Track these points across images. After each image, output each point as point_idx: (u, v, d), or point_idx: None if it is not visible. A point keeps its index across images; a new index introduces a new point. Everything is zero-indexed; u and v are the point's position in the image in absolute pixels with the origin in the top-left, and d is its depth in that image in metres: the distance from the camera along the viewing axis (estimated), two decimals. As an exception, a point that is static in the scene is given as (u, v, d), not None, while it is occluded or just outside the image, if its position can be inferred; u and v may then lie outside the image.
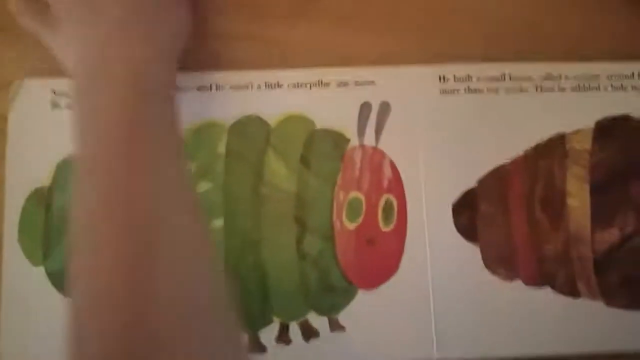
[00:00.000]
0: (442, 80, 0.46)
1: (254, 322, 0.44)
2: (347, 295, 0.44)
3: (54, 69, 0.47)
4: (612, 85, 0.46)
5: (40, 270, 0.45)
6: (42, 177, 0.46)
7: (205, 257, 0.35)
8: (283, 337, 0.43)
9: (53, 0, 0.41)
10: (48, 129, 0.46)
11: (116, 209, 0.33)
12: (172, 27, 0.42)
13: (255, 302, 0.44)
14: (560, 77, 0.46)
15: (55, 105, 0.47)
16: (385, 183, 0.45)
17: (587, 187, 0.45)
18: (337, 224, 0.45)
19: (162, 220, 0.33)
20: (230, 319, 0.33)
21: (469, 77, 0.46)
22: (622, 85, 0.46)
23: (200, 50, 0.48)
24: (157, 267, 0.32)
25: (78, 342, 0.31)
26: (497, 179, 0.45)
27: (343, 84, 0.46)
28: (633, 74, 0.46)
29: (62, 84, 0.47)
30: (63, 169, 0.46)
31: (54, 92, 0.47)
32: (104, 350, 0.30)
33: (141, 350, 0.29)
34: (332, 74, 0.46)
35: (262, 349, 0.43)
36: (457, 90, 0.46)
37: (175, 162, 0.37)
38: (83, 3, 0.40)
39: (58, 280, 0.44)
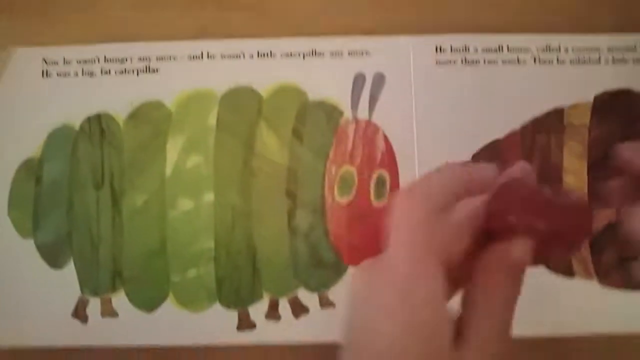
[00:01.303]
0: (438, 50, 0.45)
1: (244, 297, 0.43)
2: (337, 271, 0.43)
3: (44, 38, 0.47)
4: (613, 58, 0.45)
5: (30, 242, 0.44)
6: (33, 147, 0.45)
7: None
8: (273, 313, 0.43)
9: None
10: (39, 98, 0.46)
11: None
12: None
13: (245, 277, 0.43)
14: (559, 49, 0.45)
15: (46, 74, 0.46)
16: (378, 157, 0.44)
17: (584, 164, 0.44)
18: (328, 199, 0.44)
19: None
20: None
21: (466, 48, 0.45)
22: (623, 58, 0.45)
23: (191, 18, 0.47)
24: None
25: None
26: (492, 154, 0.44)
27: (337, 54, 0.45)
28: (635, 46, 0.45)
29: (53, 52, 0.46)
30: (54, 139, 0.45)
31: (45, 61, 0.46)
32: None
33: None
34: (326, 43, 0.45)
35: (251, 325, 0.43)
36: (454, 61, 0.45)
37: None
38: None
39: (47, 252, 0.44)
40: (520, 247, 0.26)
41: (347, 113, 0.45)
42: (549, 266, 0.43)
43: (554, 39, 0.45)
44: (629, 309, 0.42)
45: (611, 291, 0.43)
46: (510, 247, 0.26)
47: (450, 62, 0.45)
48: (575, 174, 0.44)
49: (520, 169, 0.28)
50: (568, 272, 0.43)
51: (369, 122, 0.44)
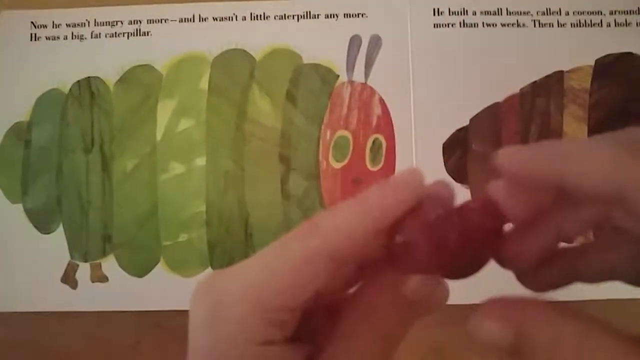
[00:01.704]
0: (436, 13, 0.44)
1: (236, 262, 0.42)
2: (331, 235, 0.42)
3: (32, 1, 0.46)
4: (615, 21, 0.44)
5: (18, 207, 0.43)
6: (21, 111, 0.44)
7: None
8: (265, 277, 0.42)
9: None
10: (27, 62, 0.45)
11: None
12: None
13: (238, 242, 0.43)
14: (560, 12, 0.44)
15: (34, 37, 0.45)
16: (374, 121, 0.43)
17: (584, 128, 0.43)
18: (322, 164, 0.43)
19: None
20: None
21: (464, 11, 0.44)
22: (626, 21, 0.44)
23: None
24: None
25: None
26: (491, 117, 0.43)
27: (332, 16, 0.44)
28: (638, 9, 0.44)
29: (41, 15, 0.45)
30: (43, 103, 0.44)
31: (34, 24, 0.45)
32: None
33: None
34: (321, 4, 0.44)
35: (243, 289, 0.42)
36: (452, 24, 0.44)
37: None
38: None
39: (36, 217, 0.43)
40: (416, 283, 0.22)
41: (343, 76, 0.44)
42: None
43: (555, 2, 0.44)
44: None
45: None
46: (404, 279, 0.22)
47: (448, 24, 0.44)
48: (575, 138, 0.43)
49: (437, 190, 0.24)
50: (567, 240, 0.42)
51: (364, 86, 0.43)
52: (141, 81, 0.44)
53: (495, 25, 0.44)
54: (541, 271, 0.24)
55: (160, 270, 0.43)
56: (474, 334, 0.22)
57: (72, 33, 0.45)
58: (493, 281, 0.24)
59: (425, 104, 0.43)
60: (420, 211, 0.22)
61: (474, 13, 0.44)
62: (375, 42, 0.44)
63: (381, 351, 0.23)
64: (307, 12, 0.44)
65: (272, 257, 0.22)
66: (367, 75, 0.43)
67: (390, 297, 0.23)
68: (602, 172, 0.20)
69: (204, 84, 0.44)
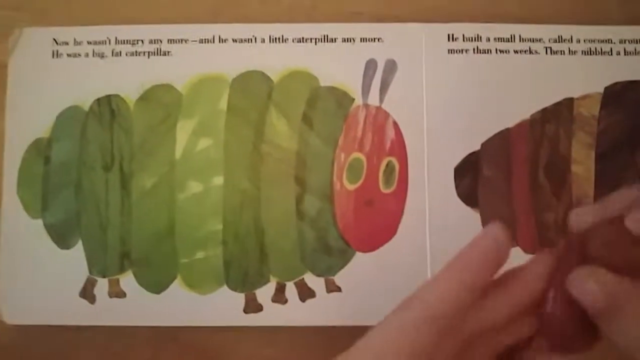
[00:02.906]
0: (450, 39, 0.45)
1: (251, 280, 0.44)
2: (344, 256, 0.44)
3: (55, 18, 0.47)
4: (624, 50, 0.45)
5: (38, 222, 0.44)
6: (42, 128, 0.45)
7: None
8: (279, 296, 0.43)
9: None
10: (48, 78, 0.46)
11: None
12: None
13: (253, 261, 0.44)
14: (571, 39, 0.45)
15: (56, 54, 0.46)
16: (388, 144, 0.44)
17: (592, 154, 0.44)
18: (337, 185, 0.44)
19: None
20: None
21: (478, 37, 0.45)
22: (635, 49, 0.45)
23: (204, 2, 0.47)
24: None
25: None
26: (501, 142, 0.44)
27: (349, 40, 0.45)
28: (647, 38, 0.45)
29: (63, 32, 0.46)
30: (63, 119, 0.45)
31: (55, 41, 0.46)
32: None
33: None
34: (338, 29, 0.45)
35: (258, 307, 0.43)
36: (466, 50, 0.45)
37: None
38: None
39: (55, 232, 0.44)
40: None
41: (358, 99, 0.45)
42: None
43: (566, 30, 0.45)
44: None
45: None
46: None
47: (462, 50, 0.45)
48: (583, 164, 0.44)
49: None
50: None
51: (379, 109, 0.44)
52: (161, 100, 0.45)
53: (508, 51, 0.45)
54: None
55: (176, 287, 0.44)
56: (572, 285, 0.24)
57: (93, 50, 0.46)
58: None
59: (438, 128, 0.44)
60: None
61: (488, 39, 0.45)
62: (391, 67, 0.45)
63: None
64: (324, 36, 0.45)
65: (371, 333, 0.25)
66: (381, 99, 0.44)
67: None
68: None
69: (223, 104, 0.45)
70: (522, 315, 0.26)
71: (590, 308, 0.24)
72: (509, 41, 0.45)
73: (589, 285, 0.24)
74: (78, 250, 0.44)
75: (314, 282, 0.43)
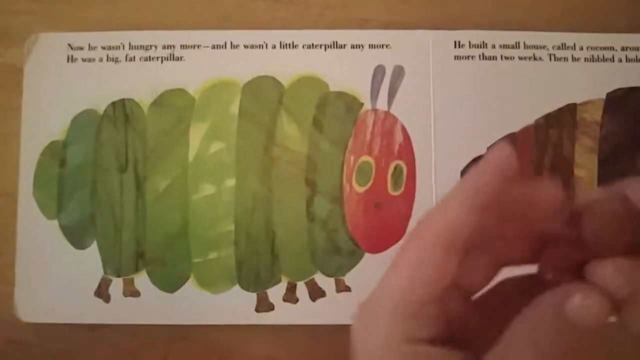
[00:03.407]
0: (457, 45, 0.46)
1: (263, 280, 0.45)
2: (354, 257, 0.45)
3: (70, 23, 0.48)
4: (626, 57, 0.46)
5: (54, 223, 0.45)
6: (57, 130, 0.46)
7: None
8: (290, 296, 0.44)
9: None
10: (63, 82, 0.47)
11: None
12: None
13: (264, 261, 0.45)
14: (574, 46, 0.46)
15: (71, 59, 0.47)
16: (396, 148, 0.45)
17: (595, 159, 0.45)
18: (346, 187, 0.45)
19: None
20: None
21: (484, 44, 0.46)
22: (636, 57, 0.46)
23: (215, 8, 0.48)
24: None
25: None
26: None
27: (358, 47, 0.46)
28: (649, 45, 0.46)
29: (78, 37, 0.47)
30: (78, 123, 0.46)
31: (70, 46, 0.47)
32: None
33: None
34: (348, 36, 0.46)
35: (270, 306, 0.44)
36: (472, 56, 0.46)
37: None
38: None
39: (71, 233, 0.45)
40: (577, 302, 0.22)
41: (367, 104, 0.46)
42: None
43: (570, 37, 0.46)
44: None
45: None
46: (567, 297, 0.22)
47: (468, 57, 0.46)
48: (586, 168, 0.45)
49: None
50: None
51: (387, 114, 0.46)
52: (174, 104, 0.46)
53: (513, 58, 0.46)
54: None
55: (190, 286, 0.45)
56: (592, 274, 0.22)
57: (108, 55, 0.47)
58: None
59: (445, 132, 0.45)
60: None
61: (493, 46, 0.46)
62: (399, 73, 0.46)
63: None
64: (334, 42, 0.46)
65: (394, 260, 0.25)
66: (390, 103, 0.46)
67: (551, 321, 0.22)
68: None
69: (235, 108, 0.46)
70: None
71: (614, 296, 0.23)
72: (513, 48, 0.46)
73: (609, 272, 0.23)
74: (93, 251, 0.45)
75: (324, 282, 0.45)
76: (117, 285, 0.45)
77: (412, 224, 0.45)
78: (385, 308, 0.24)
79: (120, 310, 0.45)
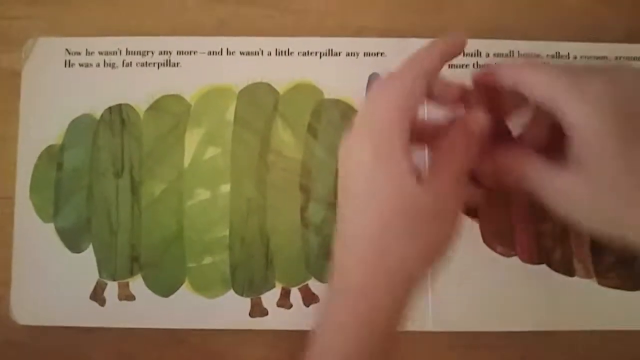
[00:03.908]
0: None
1: (257, 285, 0.45)
2: (348, 263, 0.45)
3: (68, 28, 0.48)
4: (620, 66, 0.46)
5: (50, 226, 0.46)
6: (54, 135, 0.47)
7: None
8: (284, 301, 0.45)
9: None
10: (61, 87, 0.47)
11: None
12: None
13: (259, 267, 0.45)
14: (568, 56, 0.46)
15: (68, 63, 0.47)
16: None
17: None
18: (340, 193, 0.45)
19: None
20: None
21: (478, 53, 0.46)
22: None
23: (212, 14, 0.48)
24: None
25: None
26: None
27: (353, 54, 0.47)
28: (641, 55, 0.47)
29: (75, 42, 0.47)
30: (75, 127, 0.47)
31: (68, 51, 0.47)
32: None
33: None
34: (343, 44, 0.47)
35: (263, 312, 0.45)
36: (466, 65, 0.46)
37: None
38: None
39: (67, 236, 0.46)
40: (475, 119, 0.34)
41: (361, 111, 0.46)
42: (550, 264, 0.45)
43: (564, 46, 0.46)
44: (625, 307, 0.44)
45: (608, 290, 0.44)
46: (468, 118, 0.35)
47: (462, 65, 0.46)
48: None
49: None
50: (569, 271, 0.45)
51: (382, 121, 0.46)
52: (170, 110, 0.46)
53: (507, 67, 0.46)
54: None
55: (184, 290, 0.45)
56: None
57: (105, 61, 0.47)
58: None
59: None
60: None
61: (487, 55, 0.46)
62: (393, 80, 0.46)
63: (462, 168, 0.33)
64: (329, 50, 0.46)
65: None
66: (384, 111, 0.46)
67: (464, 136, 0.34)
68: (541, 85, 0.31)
69: (230, 115, 0.46)
70: None
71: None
72: (508, 56, 0.46)
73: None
74: (89, 254, 0.46)
75: (318, 287, 0.45)
76: (112, 289, 0.45)
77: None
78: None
79: (115, 314, 0.45)
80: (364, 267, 0.32)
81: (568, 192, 0.31)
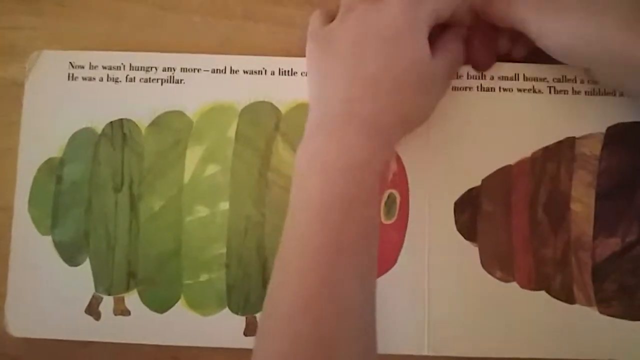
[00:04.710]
0: (455, 76, 0.46)
1: (253, 304, 0.45)
2: (345, 285, 0.44)
3: (72, 41, 0.48)
4: (627, 92, 0.46)
5: (48, 239, 0.46)
6: (55, 147, 0.47)
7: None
8: (279, 321, 0.44)
9: None
10: (63, 100, 0.47)
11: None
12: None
13: (255, 285, 0.45)
14: (575, 79, 0.46)
15: (71, 77, 0.47)
16: (390, 177, 0.45)
17: (592, 193, 0.45)
18: (340, 214, 0.45)
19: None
20: None
21: (482, 75, 0.46)
22: (637, 92, 0.46)
23: (217, 30, 0.48)
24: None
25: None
26: (502, 179, 0.45)
27: (355, 75, 0.46)
28: (649, 81, 0.46)
29: (79, 56, 0.48)
30: (76, 141, 0.47)
31: (71, 64, 0.48)
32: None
33: None
34: (345, 64, 0.46)
35: (258, 331, 0.44)
36: (470, 87, 0.46)
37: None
38: None
39: (64, 250, 0.46)
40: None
41: (363, 132, 0.45)
42: (549, 291, 0.44)
43: (570, 70, 0.46)
44: (627, 337, 0.43)
45: (610, 319, 0.44)
46: None
47: (466, 88, 0.46)
48: (582, 203, 0.45)
49: None
50: (569, 298, 0.44)
51: (383, 142, 0.45)
52: (172, 126, 0.46)
53: (512, 90, 0.46)
54: None
55: (180, 307, 0.45)
56: None
57: (108, 75, 0.47)
58: None
59: (440, 163, 0.45)
60: None
61: (492, 78, 0.46)
62: (396, 101, 0.46)
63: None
64: (332, 70, 0.46)
65: None
66: (386, 132, 0.45)
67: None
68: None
69: (232, 132, 0.46)
70: None
71: None
72: (512, 79, 0.46)
73: None
74: (85, 268, 0.45)
75: (314, 309, 0.44)
76: (107, 304, 0.45)
77: (404, 252, 0.44)
78: None
79: (110, 329, 0.45)
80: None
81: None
